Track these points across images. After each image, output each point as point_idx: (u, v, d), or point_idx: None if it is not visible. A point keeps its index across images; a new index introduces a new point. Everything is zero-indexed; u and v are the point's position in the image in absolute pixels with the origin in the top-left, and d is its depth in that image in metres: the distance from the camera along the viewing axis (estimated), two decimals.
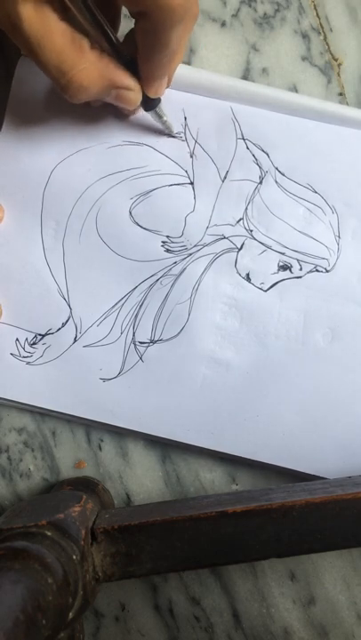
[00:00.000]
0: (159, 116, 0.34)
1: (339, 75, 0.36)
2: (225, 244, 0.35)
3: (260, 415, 0.35)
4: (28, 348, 0.36)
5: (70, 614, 0.26)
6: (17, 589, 0.23)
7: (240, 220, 0.35)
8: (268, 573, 0.37)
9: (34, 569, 0.24)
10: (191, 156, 0.35)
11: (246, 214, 0.35)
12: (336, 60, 0.36)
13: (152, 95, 0.32)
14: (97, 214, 0.35)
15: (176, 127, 0.35)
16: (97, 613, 0.37)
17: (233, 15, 0.36)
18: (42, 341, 0.36)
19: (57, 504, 0.30)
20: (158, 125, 0.35)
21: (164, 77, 0.31)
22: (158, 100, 0.33)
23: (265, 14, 0.36)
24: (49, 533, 0.27)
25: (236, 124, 0.35)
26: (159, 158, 0.35)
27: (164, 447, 0.37)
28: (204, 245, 0.35)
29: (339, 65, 0.36)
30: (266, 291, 0.35)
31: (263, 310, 0.35)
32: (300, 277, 0.35)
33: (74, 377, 0.35)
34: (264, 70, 0.36)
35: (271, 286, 0.35)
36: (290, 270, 0.35)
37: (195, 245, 0.35)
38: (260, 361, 0.35)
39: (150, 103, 0.33)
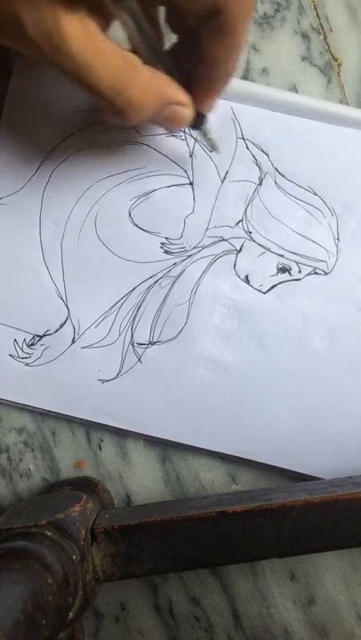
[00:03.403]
0: (204, 134, 0.32)
1: (339, 75, 0.36)
2: (224, 245, 0.35)
3: (258, 416, 0.35)
4: (26, 349, 0.36)
5: (70, 614, 0.26)
6: (17, 589, 0.23)
7: (239, 221, 0.35)
8: (268, 573, 0.37)
9: (34, 569, 0.24)
10: (191, 156, 0.35)
11: (245, 216, 0.35)
12: (336, 60, 0.36)
13: (206, 111, 0.30)
14: (96, 215, 0.35)
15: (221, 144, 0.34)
16: (97, 613, 0.37)
17: None
18: (40, 342, 0.36)
19: (57, 504, 0.30)
20: (202, 143, 0.34)
21: (222, 90, 0.29)
22: (207, 118, 0.31)
23: (265, 14, 0.36)
24: (49, 533, 0.27)
25: (237, 123, 0.35)
26: (159, 158, 0.35)
27: (164, 447, 0.37)
28: (204, 247, 0.35)
29: (339, 65, 0.36)
30: (265, 293, 0.35)
31: (262, 312, 0.35)
32: (299, 280, 0.35)
33: (72, 378, 0.36)
34: (264, 70, 0.36)
35: (270, 288, 0.35)
36: (289, 272, 0.35)
37: (194, 247, 0.35)
38: (259, 362, 0.35)
39: (200, 120, 0.30)
